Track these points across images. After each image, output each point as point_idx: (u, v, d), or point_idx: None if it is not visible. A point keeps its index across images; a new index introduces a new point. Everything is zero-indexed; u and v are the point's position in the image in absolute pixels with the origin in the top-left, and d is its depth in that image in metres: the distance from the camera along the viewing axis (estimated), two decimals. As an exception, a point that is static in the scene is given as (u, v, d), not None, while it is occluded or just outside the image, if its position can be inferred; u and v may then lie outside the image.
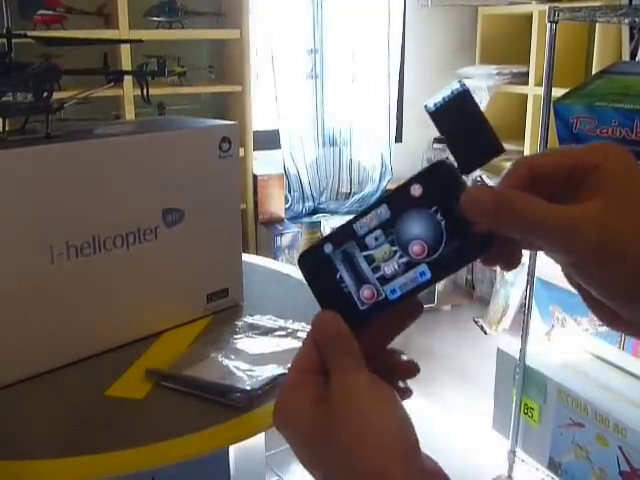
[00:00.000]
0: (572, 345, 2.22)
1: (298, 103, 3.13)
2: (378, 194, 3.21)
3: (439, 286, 3.18)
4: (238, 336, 0.78)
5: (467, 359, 2.87)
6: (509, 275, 3.08)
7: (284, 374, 0.70)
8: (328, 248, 0.41)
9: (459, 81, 0.40)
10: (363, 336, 0.41)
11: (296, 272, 1.11)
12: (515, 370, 2.20)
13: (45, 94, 0.72)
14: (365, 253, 0.40)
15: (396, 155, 3.29)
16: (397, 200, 0.40)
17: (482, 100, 3.22)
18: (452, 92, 0.39)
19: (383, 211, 0.40)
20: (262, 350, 0.74)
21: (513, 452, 2.19)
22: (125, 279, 0.76)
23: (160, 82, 2.59)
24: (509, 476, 2.21)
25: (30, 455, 0.61)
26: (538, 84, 3.12)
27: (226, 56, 2.98)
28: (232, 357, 0.72)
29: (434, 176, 0.39)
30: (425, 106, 0.39)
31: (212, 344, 0.76)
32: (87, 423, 0.66)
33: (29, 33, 0.73)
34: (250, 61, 2.85)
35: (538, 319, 2.50)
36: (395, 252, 0.40)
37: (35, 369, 0.71)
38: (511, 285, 3.09)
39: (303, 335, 0.80)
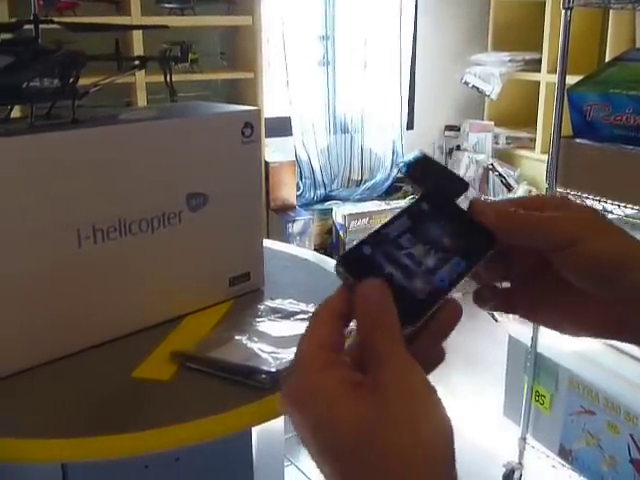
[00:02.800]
0: (584, 333, 2.22)
1: (310, 90, 3.13)
2: (389, 182, 3.21)
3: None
4: (260, 319, 0.79)
5: (477, 346, 2.88)
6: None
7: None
8: (367, 250, 0.43)
9: (419, 150, 0.52)
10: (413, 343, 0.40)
11: (314, 257, 1.12)
12: (526, 357, 2.21)
13: (71, 80, 0.72)
14: (404, 252, 0.44)
15: (407, 142, 3.29)
16: (413, 213, 0.47)
17: (494, 87, 3.21)
18: (414, 158, 0.50)
19: (405, 221, 0.46)
20: (285, 333, 0.75)
21: (524, 439, 2.20)
22: (150, 263, 0.77)
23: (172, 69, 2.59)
24: (519, 463, 2.22)
25: (61, 433, 0.62)
26: (551, 71, 3.11)
27: (238, 43, 2.98)
28: (256, 340, 0.73)
29: (436, 195, 0.48)
30: (398, 171, 0.49)
31: (235, 327, 0.77)
32: (115, 403, 0.68)
33: (55, 19, 0.73)
34: (262, 48, 2.85)
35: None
36: (429, 250, 0.45)
37: (63, 350, 0.73)
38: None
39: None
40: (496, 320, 3.11)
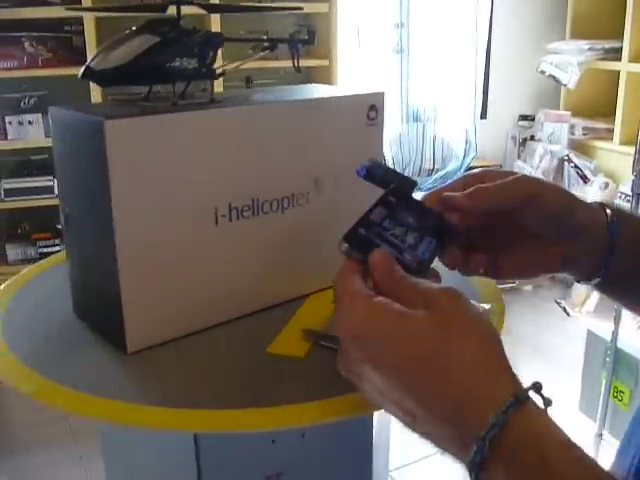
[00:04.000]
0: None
1: (383, 78, 3.11)
2: (462, 171, 3.18)
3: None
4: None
5: (548, 340, 2.83)
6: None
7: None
8: (362, 231, 0.55)
9: (369, 158, 0.64)
10: None
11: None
12: (606, 353, 2.16)
13: (208, 60, 0.74)
14: (390, 232, 0.55)
15: (480, 131, 3.25)
16: (385, 203, 0.58)
17: (572, 76, 3.13)
18: (367, 163, 0.63)
19: (382, 210, 0.57)
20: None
21: (600, 435, 2.16)
22: (279, 241, 0.78)
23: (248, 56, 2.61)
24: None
25: (192, 405, 0.63)
26: (632, 60, 3.02)
27: (314, 26, 2.98)
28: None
29: (396, 191, 0.60)
30: (357, 173, 0.63)
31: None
32: (250, 378, 0.69)
33: (195, 0, 0.75)
34: (337, 35, 2.85)
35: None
36: (406, 231, 0.56)
37: (198, 325, 0.74)
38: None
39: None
40: (568, 314, 3.06)
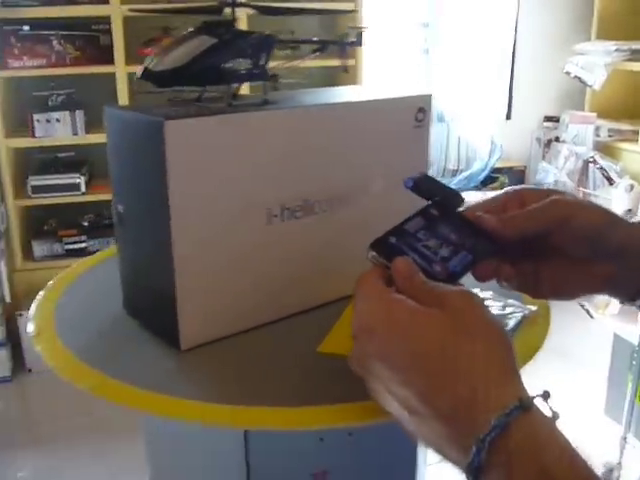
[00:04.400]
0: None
1: (408, 77, 3.11)
2: (486, 172, 3.17)
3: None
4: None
5: (572, 342, 2.82)
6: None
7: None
8: (393, 240, 0.55)
9: (420, 172, 0.64)
10: None
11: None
12: (632, 356, 2.15)
13: (262, 62, 0.74)
14: (422, 243, 0.55)
15: (505, 132, 3.24)
16: (425, 215, 0.59)
17: (597, 77, 3.12)
18: (418, 175, 0.62)
19: (420, 220, 0.58)
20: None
21: (624, 438, 2.15)
22: (328, 241, 0.79)
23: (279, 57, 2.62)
24: (619, 463, 2.17)
25: (243, 402, 0.64)
26: (660, 62, 3.00)
27: (338, 29, 2.99)
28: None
29: (441, 204, 0.60)
30: (405, 185, 0.62)
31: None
32: (303, 376, 0.70)
33: (251, 3, 0.76)
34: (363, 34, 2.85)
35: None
36: (442, 244, 0.56)
37: (250, 323, 0.75)
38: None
39: (491, 303, 0.81)
40: (591, 316, 3.04)
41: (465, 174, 3.18)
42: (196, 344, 0.72)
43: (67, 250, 2.84)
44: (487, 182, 3.19)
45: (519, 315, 0.78)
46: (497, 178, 3.20)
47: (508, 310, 0.79)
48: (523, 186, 0.63)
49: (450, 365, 0.44)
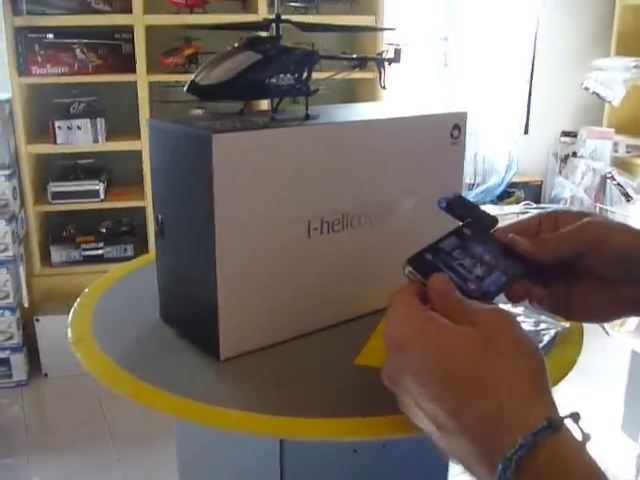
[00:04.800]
0: None
1: (427, 91, 3.13)
2: (503, 186, 3.17)
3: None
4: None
5: (588, 359, 2.80)
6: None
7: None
8: (429, 257, 0.56)
9: (454, 191, 0.65)
10: None
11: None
12: (650, 373, 2.14)
13: (304, 77, 0.76)
14: (458, 261, 0.56)
15: (522, 147, 3.24)
16: (459, 235, 0.59)
17: (616, 93, 3.12)
18: (452, 196, 0.64)
19: (454, 239, 0.59)
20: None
21: (641, 456, 2.13)
22: (365, 255, 0.80)
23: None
24: (635, 481, 2.16)
25: (280, 411, 0.65)
26: (679, 79, 3.00)
27: (359, 42, 3.01)
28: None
29: (475, 225, 0.61)
30: (439, 205, 0.63)
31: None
32: (340, 387, 0.70)
33: (293, 19, 0.77)
34: (383, 48, 2.87)
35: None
36: (476, 263, 0.57)
37: (289, 333, 0.76)
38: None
39: (524, 319, 0.82)
40: (607, 333, 3.03)
41: (481, 188, 3.19)
42: (235, 354, 0.73)
43: (84, 256, 2.86)
44: (503, 196, 3.19)
45: (552, 332, 0.79)
46: (513, 193, 3.20)
47: (542, 326, 0.80)
48: (557, 208, 0.64)
49: (479, 383, 0.44)
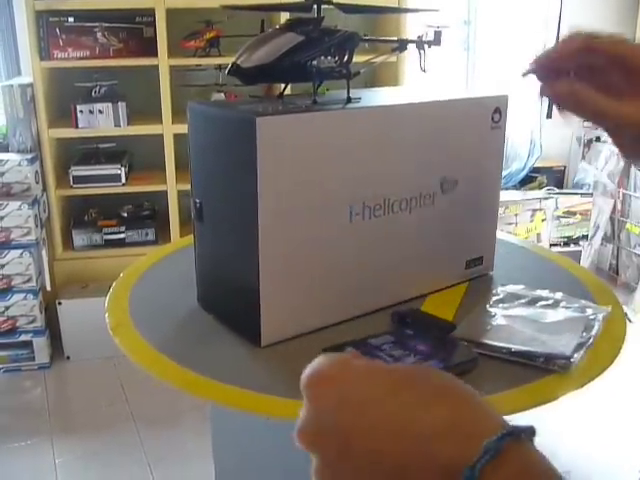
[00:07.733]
0: None
1: (449, 75, 3.09)
2: (525, 171, 3.14)
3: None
4: (507, 304, 0.79)
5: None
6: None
7: (583, 343, 0.73)
8: (349, 348, 0.62)
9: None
10: None
11: (529, 245, 1.12)
12: (676, 361, 2.12)
13: (345, 59, 0.74)
14: (385, 352, 0.63)
15: (545, 132, 3.20)
16: (397, 334, 0.68)
17: None
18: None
19: (388, 337, 0.66)
20: (544, 318, 0.75)
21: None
22: (405, 240, 0.79)
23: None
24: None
25: None
26: None
27: (381, 25, 2.98)
28: (526, 325, 0.74)
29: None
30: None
31: (486, 311, 0.78)
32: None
33: (334, 0, 0.75)
34: (406, 30, 2.83)
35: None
36: (409, 354, 0.63)
37: (330, 319, 0.76)
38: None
39: (567, 304, 0.80)
40: (630, 320, 3.00)
41: (504, 173, 3.15)
42: (275, 340, 0.73)
43: (106, 240, 2.87)
44: (526, 181, 3.16)
45: (600, 315, 0.78)
46: (536, 178, 3.17)
47: (588, 312, 0.78)
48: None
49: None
